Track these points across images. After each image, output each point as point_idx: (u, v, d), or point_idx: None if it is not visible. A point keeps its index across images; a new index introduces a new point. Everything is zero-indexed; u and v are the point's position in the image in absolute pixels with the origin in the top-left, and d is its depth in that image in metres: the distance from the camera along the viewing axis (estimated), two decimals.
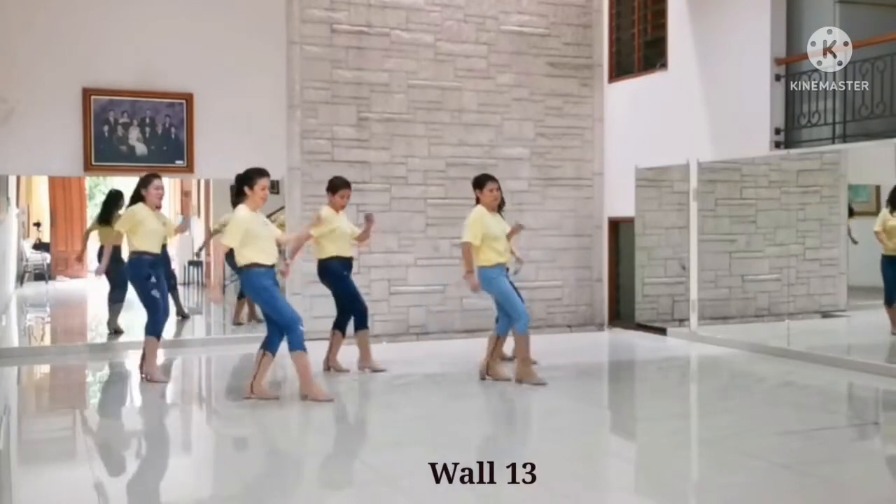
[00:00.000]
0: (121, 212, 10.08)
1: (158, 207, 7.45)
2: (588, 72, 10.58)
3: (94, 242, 10.58)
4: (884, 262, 8.87)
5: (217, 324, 11.26)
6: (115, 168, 9.08)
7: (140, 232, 7.22)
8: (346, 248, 7.49)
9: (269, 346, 6.54)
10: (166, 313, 7.42)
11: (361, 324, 7.58)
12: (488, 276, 7.03)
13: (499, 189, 7.19)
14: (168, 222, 7.59)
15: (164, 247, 7.84)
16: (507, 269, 7.45)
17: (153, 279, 7.28)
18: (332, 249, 7.41)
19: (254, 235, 6.34)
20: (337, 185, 7.54)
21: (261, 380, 6.51)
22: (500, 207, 7.81)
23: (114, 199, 9.95)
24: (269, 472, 5.06)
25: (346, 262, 7.52)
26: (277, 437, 5.97)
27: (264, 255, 6.38)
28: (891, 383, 7.22)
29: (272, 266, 6.44)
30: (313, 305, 8.98)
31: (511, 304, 7.02)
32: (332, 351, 7.65)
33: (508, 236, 7.29)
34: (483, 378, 7.21)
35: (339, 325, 7.63)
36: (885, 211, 8.91)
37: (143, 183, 7.35)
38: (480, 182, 7.21)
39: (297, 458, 5.50)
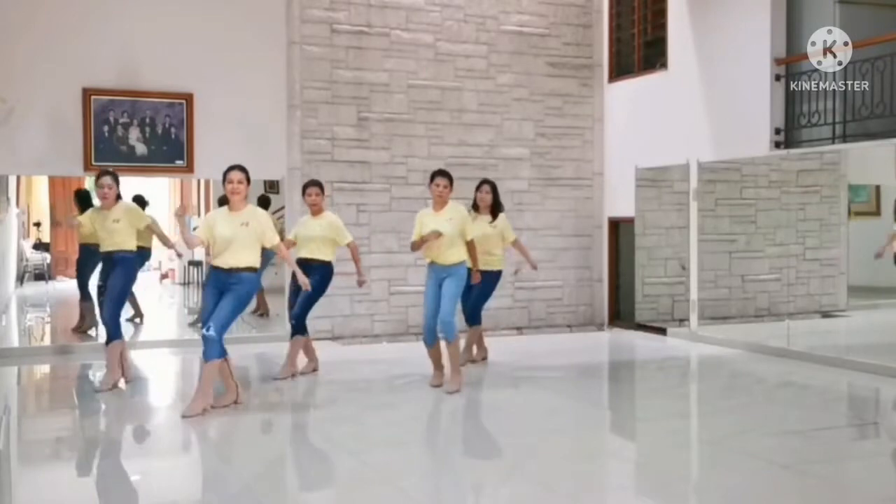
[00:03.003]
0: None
1: (105, 205, 6.98)
2: (588, 72, 10.58)
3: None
4: None
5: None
6: (115, 168, 9.06)
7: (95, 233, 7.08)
8: (305, 250, 7.28)
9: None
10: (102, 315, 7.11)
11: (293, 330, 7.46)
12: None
13: (446, 186, 6.91)
14: (125, 217, 6.96)
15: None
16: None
17: (100, 282, 7.08)
18: (299, 252, 7.35)
19: (214, 235, 6.13)
20: (303, 186, 7.51)
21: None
22: (494, 211, 7.76)
23: (84, 198, 9.86)
24: (269, 471, 5.06)
25: (304, 264, 7.21)
26: (276, 437, 5.96)
27: (214, 254, 6.16)
28: (891, 383, 7.21)
29: (220, 268, 6.09)
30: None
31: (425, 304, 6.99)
32: (306, 354, 7.59)
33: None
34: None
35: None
36: None
37: (96, 178, 7.12)
38: (432, 176, 7.06)
39: (296, 458, 5.51)
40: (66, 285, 15.86)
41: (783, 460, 5.11)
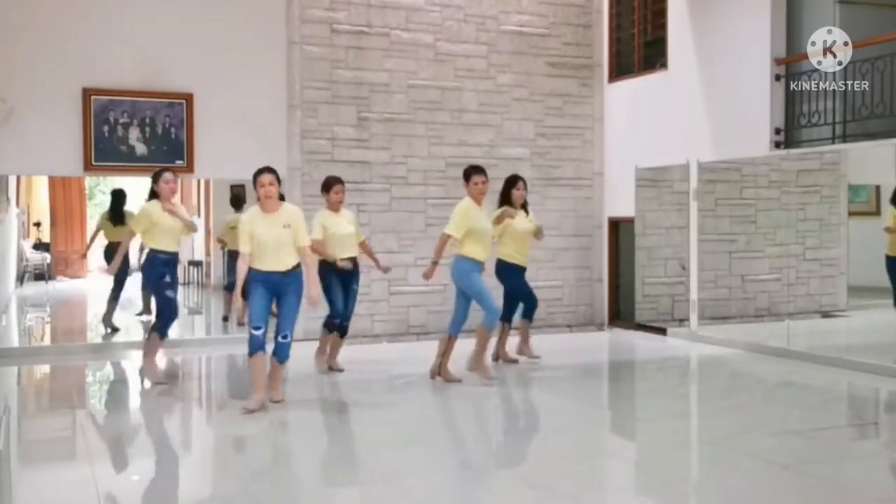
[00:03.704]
0: (128, 209, 10.25)
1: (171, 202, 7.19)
2: (588, 72, 10.58)
3: (100, 241, 10.71)
4: (890, 262, 8.77)
5: (217, 324, 11.26)
6: (115, 168, 9.09)
7: (155, 231, 7.05)
8: (341, 250, 7.33)
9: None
10: (175, 314, 7.29)
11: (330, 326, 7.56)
12: (464, 268, 7.00)
13: (485, 182, 7.08)
14: (183, 217, 7.27)
15: None
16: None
17: (167, 278, 7.10)
18: (337, 252, 7.36)
19: (256, 239, 6.18)
20: (329, 183, 7.50)
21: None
22: (525, 205, 7.83)
23: (119, 197, 10.19)
24: (269, 472, 5.06)
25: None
26: (277, 437, 5.97)
27: (257, 259, 6.21)
28: (891, 383, 7.22)
29: (275, 272, 6.19)
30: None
31: (483, 299, 6.96)
32: (322, 349, 7.68)
33: (496, 221, 7.41)
34: (433, 378, 7.21)
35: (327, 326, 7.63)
36: (892, 209, 8.79)
37: (155, 178, 7.16)
38: (467, 174, 7.17)
39: (297, 459, 5.50)
40: (66, 285, 15.91)
41: (783, 460, 5.11)
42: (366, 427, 6.10)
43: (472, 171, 7.15)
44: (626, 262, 10.50)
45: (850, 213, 10.08)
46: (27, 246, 16.46)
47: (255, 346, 6.15)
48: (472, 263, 6.99)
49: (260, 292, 6.21)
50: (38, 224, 17.15)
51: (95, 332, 10.56)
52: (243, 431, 5.98)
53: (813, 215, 10.07)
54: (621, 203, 10.33)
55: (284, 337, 6.27)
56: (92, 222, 17.83)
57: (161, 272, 7.09)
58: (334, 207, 7.44)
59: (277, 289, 6.25)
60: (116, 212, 10.15)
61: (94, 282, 16.27)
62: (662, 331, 9.86)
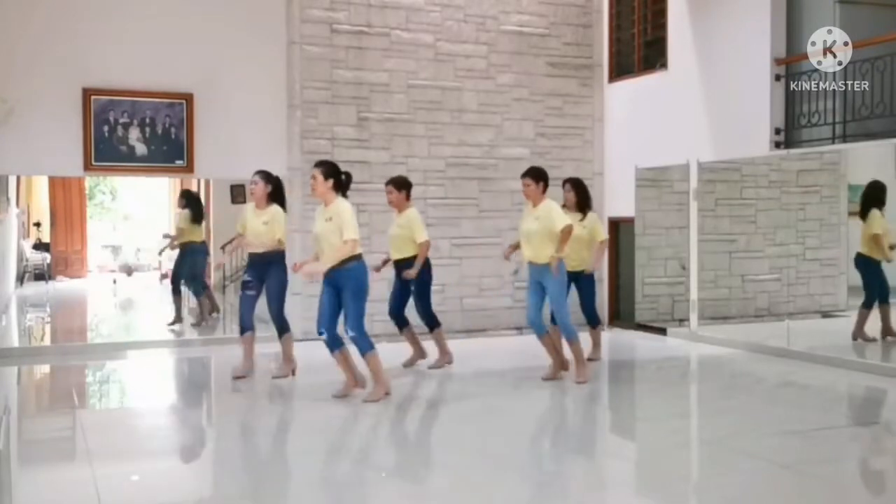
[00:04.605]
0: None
1: (256, 204, 7.16)
2: (588, 72, 10.58)
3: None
4: (866, 263, 8.71)
5: (228, 322, 11.25)
6: (116, 168, 9.10)
7: (245, 233, 7.18)
8: (392, 251, 7.66)
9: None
10: (246, 314, 7.20)
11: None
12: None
13: (527, 185, 7.00)
14: (272, 220, 7.11)
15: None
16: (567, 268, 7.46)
17: (245, 277, 7.23)
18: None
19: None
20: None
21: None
22: (582, 207, 7.77)
23: (195, 197, 10.55)
24: (271, 472, 5.06)
25: (392, 264, 7.70)
26: (279, 438, 5.96)
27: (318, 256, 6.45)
28: (891, 383, 7.22)
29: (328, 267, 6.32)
30: (312, 305, 8.95)
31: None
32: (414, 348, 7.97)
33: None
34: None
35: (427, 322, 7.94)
36: (876, 212, 8.66)
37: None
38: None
39: (293, 458, 5.50)
40: (66, 285, 15.90)
41: (783, 460, 5.11)
42: (364, 427, 6.09)
43: (523, 174, 7.16)
44: (626, 262, 10.50)
45: (850, 213, 10.07)
46: (27, 246, 16.45)
47: (329, 347, 6.40)
48: (527, 265, 7.16)
49: (325, 293, 6.35)
50: (38, 224, 17.13)
51: (96, 332, 10.58)
52: (243, 432, 5.97)
53: (813, 215, 10.07)
54: (621, 203, 10.33)
55: (348, 333, 6.35)
56: (92, 222, 17.83)
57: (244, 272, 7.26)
58: (394, 207, 7.68)
59: (336, 284, 6.32)
60: (198, 211, 10.37)
61: (94, 282, 16.27)
62: (662, 331, 9.86)
